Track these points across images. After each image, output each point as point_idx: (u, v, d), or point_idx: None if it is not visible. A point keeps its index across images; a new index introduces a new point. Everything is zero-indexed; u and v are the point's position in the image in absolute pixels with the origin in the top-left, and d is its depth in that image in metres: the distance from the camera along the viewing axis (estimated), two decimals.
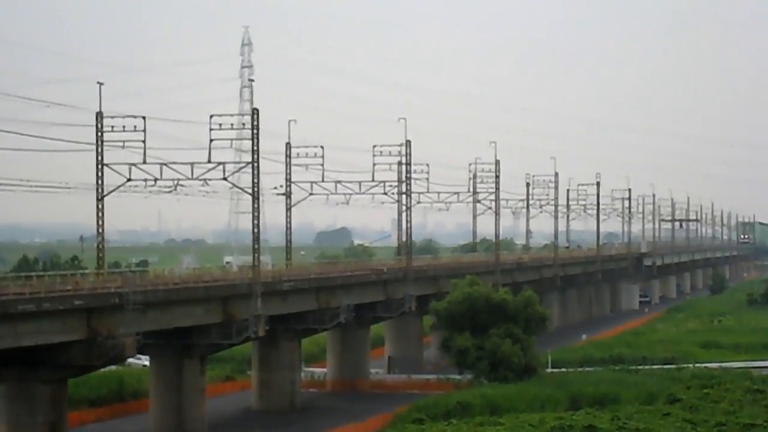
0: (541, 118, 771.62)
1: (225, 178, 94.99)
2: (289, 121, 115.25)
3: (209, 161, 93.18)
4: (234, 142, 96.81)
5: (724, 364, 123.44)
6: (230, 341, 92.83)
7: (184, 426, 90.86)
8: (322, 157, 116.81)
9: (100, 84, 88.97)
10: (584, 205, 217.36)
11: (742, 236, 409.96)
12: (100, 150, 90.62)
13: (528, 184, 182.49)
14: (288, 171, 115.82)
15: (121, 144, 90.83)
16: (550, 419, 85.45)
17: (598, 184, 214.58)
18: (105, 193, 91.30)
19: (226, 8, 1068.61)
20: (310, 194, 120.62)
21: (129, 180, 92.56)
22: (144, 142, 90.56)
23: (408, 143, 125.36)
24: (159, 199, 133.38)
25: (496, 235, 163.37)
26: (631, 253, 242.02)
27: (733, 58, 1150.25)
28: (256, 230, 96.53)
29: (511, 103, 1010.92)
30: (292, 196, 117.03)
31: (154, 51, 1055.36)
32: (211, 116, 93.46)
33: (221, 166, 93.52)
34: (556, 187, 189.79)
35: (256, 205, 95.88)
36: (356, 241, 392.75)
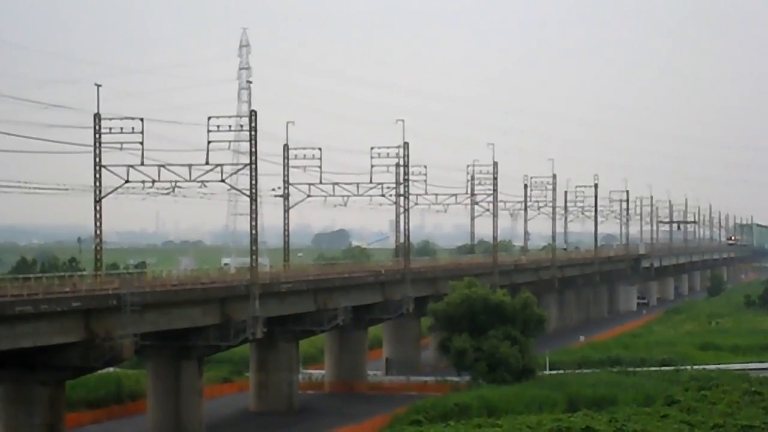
0: (539, 120, 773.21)
1: (223, 180, 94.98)
2: (287, 122, 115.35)
3: (207, 163, 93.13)
4: (232, 143, 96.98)
5: (721, 366, 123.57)
6: (228, 343, 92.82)
7: (182, 428, 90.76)
8: (320, 158, 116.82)
9: (98, 86, 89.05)
10: (582, 207, 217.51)
11: (728, 238, 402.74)
12: (97, 152, 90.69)
13: (526, 186, 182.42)
14: (286, 173, 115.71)
15: (119, 146, 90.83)
16: (547, 421, 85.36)
17: (596, 185, 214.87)
18: (103, 194, 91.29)
19: (225, 10, 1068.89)
20: (308, 196, 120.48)
21: (127, 181, 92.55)
22: (142, 143, 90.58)
23: (406, 145, 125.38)
24: (157, 201, 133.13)
25: (494, 237, 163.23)
26: (628, 255, 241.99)
27: (731, 61, 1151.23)
28: (253, 232, 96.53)
29: (509, 104, 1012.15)
30: (290, 197, 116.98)
31: (152, 52, 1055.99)
32: (209, 118, 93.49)
33: (219, 168, 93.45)
34: (554, 189, 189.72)
35: (254, 207, 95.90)
36: (354, 243, 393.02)
